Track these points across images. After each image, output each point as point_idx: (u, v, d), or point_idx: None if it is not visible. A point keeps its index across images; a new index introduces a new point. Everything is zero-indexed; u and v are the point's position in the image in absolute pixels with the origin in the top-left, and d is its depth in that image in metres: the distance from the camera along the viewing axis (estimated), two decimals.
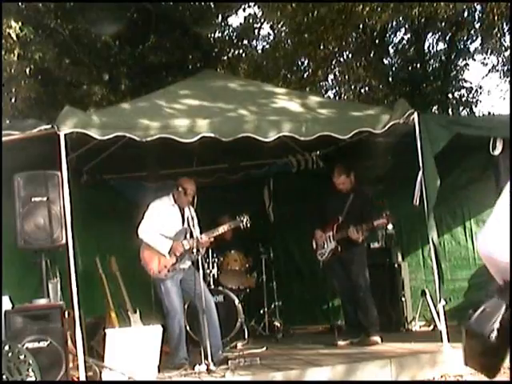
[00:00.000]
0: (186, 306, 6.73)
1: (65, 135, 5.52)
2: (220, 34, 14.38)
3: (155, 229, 6.26)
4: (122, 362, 5.61)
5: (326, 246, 7.18)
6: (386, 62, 16.23)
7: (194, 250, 6.09)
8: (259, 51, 15.47)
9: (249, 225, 6.39)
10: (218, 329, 6.25)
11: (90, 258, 7.16)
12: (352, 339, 6.94)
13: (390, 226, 7.74)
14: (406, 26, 15.35)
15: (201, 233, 6.36)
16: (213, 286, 7.58)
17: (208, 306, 6.13)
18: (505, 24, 13.46)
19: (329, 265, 7.22)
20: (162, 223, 6.28)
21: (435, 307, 7.00)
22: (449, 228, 8.31)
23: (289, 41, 14.98)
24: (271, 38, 15.53)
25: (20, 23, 10.94)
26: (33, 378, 4.91)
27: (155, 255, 6.26)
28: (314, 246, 7.28)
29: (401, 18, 14.36)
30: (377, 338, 6.84)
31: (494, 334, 1.86)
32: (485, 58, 15.76)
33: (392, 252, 8.16)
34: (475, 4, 13.25)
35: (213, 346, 5.94)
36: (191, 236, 6.29)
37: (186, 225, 6.33)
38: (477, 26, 14.66)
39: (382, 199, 7.44)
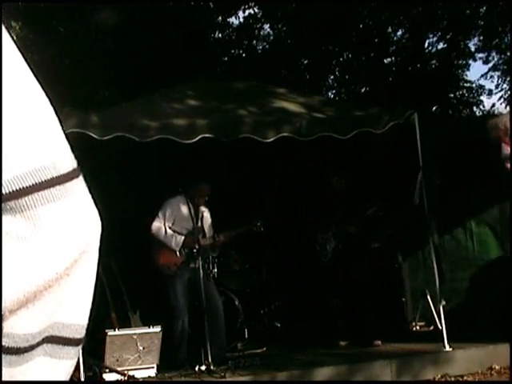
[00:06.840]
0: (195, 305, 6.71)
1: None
2: (220, 34, 14.38)
3: (167, 225, 6.25)
4: (122, 362, 5.61)
5: (327, 246, 7.18)
6: (385, 61, 16.21)
7: (204, 249, 6.13)
8: (259, 51, 15.46)
9: (262, 229, 6.43)
10: (223, 329, 6.26)
11: None
12: (352, 339, 6.94)
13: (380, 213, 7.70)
14: (406, 26, 15.32)
15: (216, 233, 6.38)
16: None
17: (215, 306, 6.15)
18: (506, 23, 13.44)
19: (331, 265, 7.22)
20: (175, 220, 6.26)
21: (435, 308, 6.99)
22: (449, 228, 8.30)
23: (289, 41, 14.97)
24: (271, 37, 15.52)
25: (20, 23, 10.94)
26: None
27: (166, 252, 6.25)
28: (318, 248, 7.27)
29: (401, 18, 14.34)
30: (377, 340, 6.83)
31: None
32: (485, 58, 15.75)
33: (392, 252, 8.16)
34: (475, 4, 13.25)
35: (218, 346, 5.96)
36: (203, 235, 6.30)
37: (199, 224, 6.34)
38: (477, 25, 14.63)
39: (381, 199, 7.44)
